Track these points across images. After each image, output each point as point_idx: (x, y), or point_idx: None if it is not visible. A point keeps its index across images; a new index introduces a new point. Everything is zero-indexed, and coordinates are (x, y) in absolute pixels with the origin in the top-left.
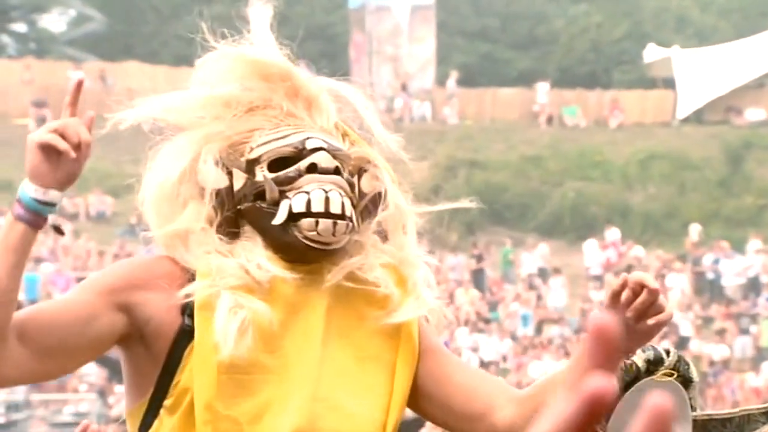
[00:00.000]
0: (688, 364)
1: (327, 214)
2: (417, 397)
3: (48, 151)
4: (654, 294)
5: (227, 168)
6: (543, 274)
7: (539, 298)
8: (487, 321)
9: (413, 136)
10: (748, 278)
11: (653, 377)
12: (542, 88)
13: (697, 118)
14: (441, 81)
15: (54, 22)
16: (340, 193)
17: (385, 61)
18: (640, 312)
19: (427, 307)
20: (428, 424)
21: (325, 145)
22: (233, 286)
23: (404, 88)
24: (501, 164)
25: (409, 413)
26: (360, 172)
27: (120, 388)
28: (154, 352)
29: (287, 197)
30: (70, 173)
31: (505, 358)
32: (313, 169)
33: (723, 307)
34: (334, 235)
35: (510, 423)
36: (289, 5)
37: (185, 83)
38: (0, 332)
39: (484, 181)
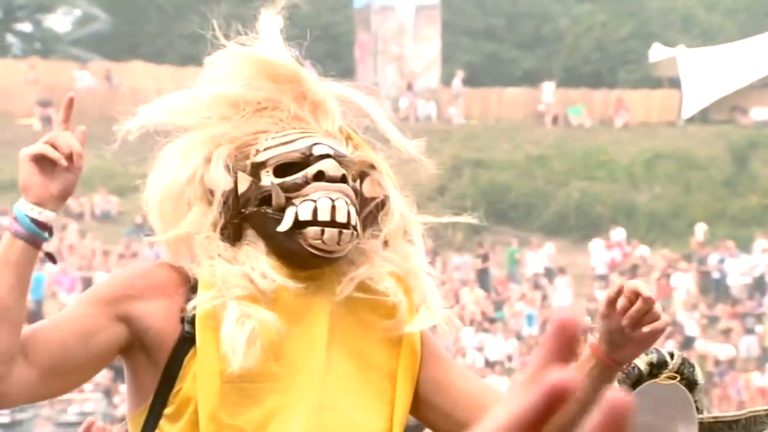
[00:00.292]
0: (693, 367)
1: (333, 223)
2: (419, 405)
3: (40, 162)
4: (648, 302)
5: (233, 171)
6: (549, 273)
7: (544, 297)
8: (492, 321)
9: (418, 136)
10: (754, 278)
11: (656, 380)
12: (548, 87)
13: (703, 117)
14: (446, 81)
15: (59, 21)
16: (346, 202)
17: (390, 61)
18: (634, 320)
19: (440, 317)
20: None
21: (332, 152)
22: (239, 296)
23: (410, 87)
24: (506, 164)
25: (411, 420)
26: (362, 176)
27: (125, 388)
28: (155, 361)
29: (293, 204)
30: (64, 187)
31: (510, 358)
32: (320, 176)
33: (728, 307)
34: (339, 243)
35: None
36: (294, 5)
37: (191, 83)
38: (8, 352)
39: (489, 181)
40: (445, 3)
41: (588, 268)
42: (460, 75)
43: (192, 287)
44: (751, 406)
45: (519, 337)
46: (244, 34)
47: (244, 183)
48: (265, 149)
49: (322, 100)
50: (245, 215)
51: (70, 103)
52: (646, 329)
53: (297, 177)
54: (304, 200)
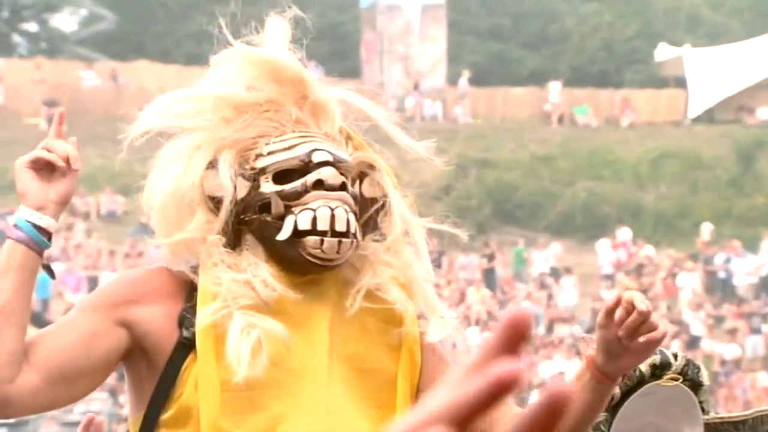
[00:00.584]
0: (698, 368)
1: (332, 233)
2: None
3: (37, 168)
4: (644, 314)
5: (234, 176)
6: (555, 273)
7: (550, 297)
8: (498, 320)
9: (424, 136)
10: (760, 277)
11: (658, 382)
12: (554, 87)
13: (709, 117)
14: (452, 80)
15: (65, 21)
16: (346, 210)
17: (396, 61)
18: (631, 330)
19: (452, 326)
20: None
21: (331, 158)
22: (245, 306)
23: (416, 87)
24: (512, 163)
25: None
26: (362, 176)
27: (127, 394)
28: (154, 365)
29: (292, 213)
30: (62, 192)
31: None
32: (319, 185)
33: (734, 307)
34: (338, 252)
35: None
36: (300, 4)
37: (197, 83)
38: (14, 354)
39: (495, 181)
40: (451, 2)
41: (594, 267)
42: (466, 75)
43: (190, 292)
44: (757, 405)
45: None
46: (250, 34)
47: (243, 189)
48: (264, 155)
49: (324, 102)
50: (244, 221)
51: (61, 119)
52: (642, 339)
53: (296, 185)
54: (303, 209)
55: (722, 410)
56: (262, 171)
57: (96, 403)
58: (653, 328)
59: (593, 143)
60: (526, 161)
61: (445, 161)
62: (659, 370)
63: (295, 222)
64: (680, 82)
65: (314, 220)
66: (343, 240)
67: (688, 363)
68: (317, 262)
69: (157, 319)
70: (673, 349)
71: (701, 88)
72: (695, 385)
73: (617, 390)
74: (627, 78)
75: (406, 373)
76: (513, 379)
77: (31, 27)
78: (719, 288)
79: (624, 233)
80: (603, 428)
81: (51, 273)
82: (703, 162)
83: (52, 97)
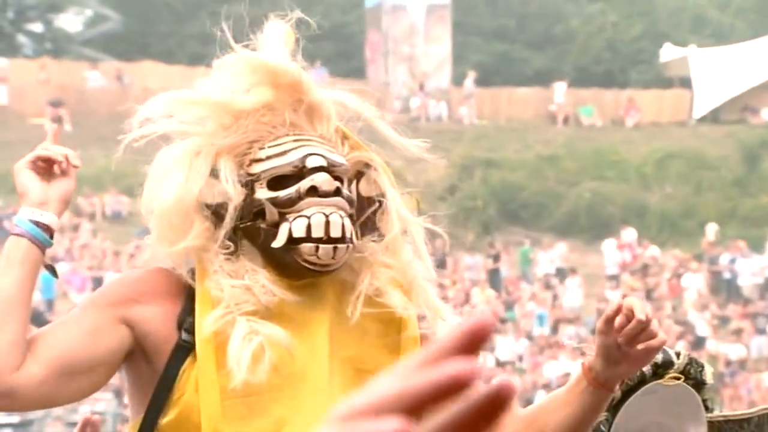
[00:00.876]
0: (701, 366)
1: (327, 239)
2: None
3: (37, 167)
4: (643, 322)
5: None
6: (560, 273)
7: (555, 297)
8: (503, 321)
9: (429, 136)
10: (765, 278)
11: (660, 381)
12: (560, 88)
13: (714, 117)
14: (457, 81)
15: (70, 22)
16: (341, 215)
17: (401, 61)
18: (630, 337)
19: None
20: None
21: (325, 163)
22: (248, 312)
23: (422, 87)
24: (517, 164)
25: None
26: (359, 175)
27: (127, 398)
28: (154, 367)
29: (287, 220)
30: (62, 191)
31: (521, 358)
32: (313, 191)
33: (739, 307)
34: (334, 258)
35: None
36: (305, 5)
37: (199, 84)
38: (17, 345)
39: (500, 181)
40: (456, 3)
41: (599, 268)
42: (471, 75)
43: (188, 294)
44: (763, 405)
45: (530, 337)
46: (255, 35)
47: (239, 195)
48: (258, 160)
49: (319, 103)
50: (240, 227)
51: (56, 134)
52: (641, 347)
53: (290, 192)
54: (297, 216)
55: (727, 410)
56: (257, 177)
57: (101, 404)
58: (652, 336)
59: (598, 143)
60: (531, 161)
61: (450, 162)
62: (661, 369)
63: (290, 229)
64: (685, 83)
65: (309, 227)
66: (339, 246)
67: (691, 362)
68: (313, 268)
69: (157, 320)
70: (678, 349)
71: (706, 88)
72: (698, 384)
73: (618, 389)
74: (632, 78)
75: None
76: (468, 378)
77: (36, 27)
78: (724, 288)
79: (629, 234)
80: (603, 428)
81: (53, 272)
82: (708, 162)
83: (57, 98)
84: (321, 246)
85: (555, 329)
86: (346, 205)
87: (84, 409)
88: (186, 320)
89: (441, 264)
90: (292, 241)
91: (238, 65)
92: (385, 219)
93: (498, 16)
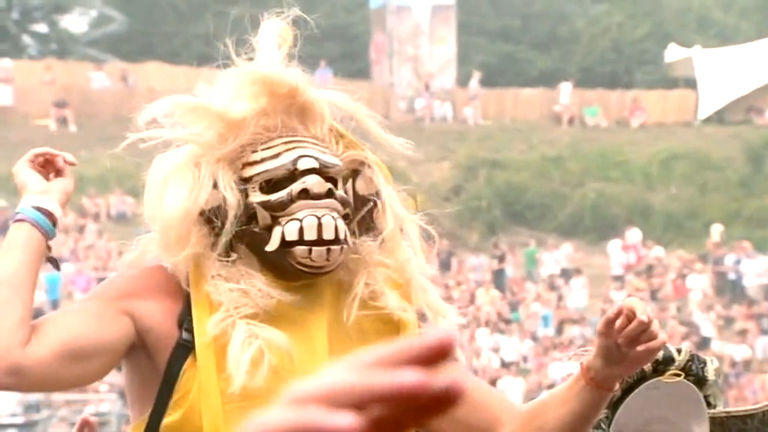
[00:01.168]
0: (704, 363)
1: (320, 242)
2: None
3: (36, 165)
4: (644, 323)
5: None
6: (564, 274)
7: (560, 298)
8: (507, 321)
9: (434, 137)
10: None
11: (660, 378)
12: (565, 88)
13: (719, 118)
14: (462, 81)
15: (75, 22)
16: (333, 217)
17: (406, 62)
18: (630, 339)
19: (460, 321)
20: None
21: (317, 165)
22: (247, 315)
23: (427, 88)
24: (522, 164)
25: None
26: (354, 174)
27: (127, 398)
28: (155, 363)
29: (279, 223)
30: (62, 186)
31: (525, 359)
32: (305, 194)
33: (744, 308)
34: (327, 260)
35: None
36: (310, 5)
37: (206, 84)
38: (23, 322)
39: (504, 182)
40: (461, 3)
41: (604, 268)
42: (477, 76)
43: (188, 295)
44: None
45: (534, 338)
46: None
47: (238, 203)
48: (251, 164)
49: (312, 104)
50: (235, 231)
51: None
52: (641, 348)
53: (282, 195)
54: (289, 220)
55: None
56: (249, 180)
57: (105, 404)
58: (653, 337)
59: (603, 144)
60: (535, 162)
61: (455, 162)
62: (662, 365)
63: (282, 233)
64: (690, 83)
65: (301, 230)
66: (332, 247)
67: (693, 358)
68: (308, 270)
69: (158, 315)
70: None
71: (711, 89)
72: (700, 380)
73: (617, 386)
74: (637, 79)
75: None
76: (419, 391)
77: (41, 28)
78: (729, 289)
79: (634, 234)
80: (603, 426)
81: (56, 265)
82: (713, 163)
83: (62, 99)
84: (314, 248)
85: (560, 330)
86: (339, 206)
87: (89, 410)
88: (186, 319)
89: (445, 264)
90: (285, 245)
91: (239, 78)
92: (382, 217)
93: (503, 17)
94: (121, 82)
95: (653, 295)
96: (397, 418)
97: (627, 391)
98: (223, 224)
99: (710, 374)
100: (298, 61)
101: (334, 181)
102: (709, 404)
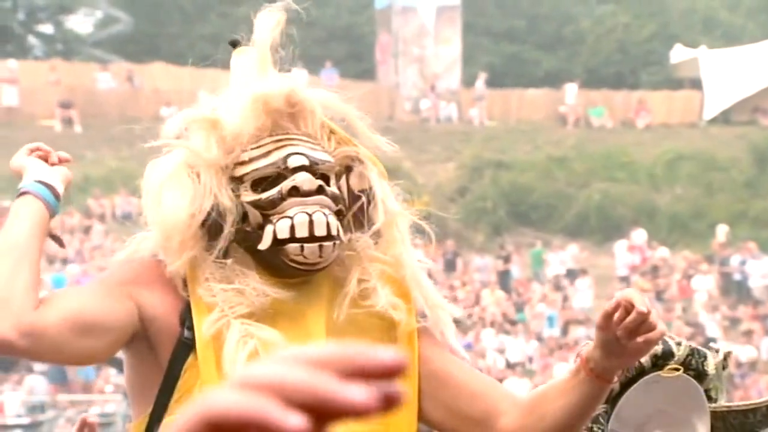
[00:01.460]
0: (704, 356)
1: (312, 238)
2: (421, 401)
3: (35, 152)
4: (643, 314)
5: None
6: (570, 275)
7: (565, 299)
8: (513, 322)
9: (439, 137)
10: None
11: (659, 372)
12: (571, 89)
13: (725, 118)
14: (467, 82)
15: (80, 23)
16: (325, 213)
17: (411, 62)
18: (629, 330)
19: (457, 313)
20: None
21: (307, 162)
22: (242, 314)
23: (433, 89)
24: (527, 165)
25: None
26: (347, 170)
27: (128, 396)
28: (157, 357)
29: (271, 222)
30: (62, 172)
31: (531, 360)
32: (295, 191)
33: (750, 309)
34: (320, 256)
35: (513, 430)
36: (315, 6)
37: (211, 84)
38: (33, 285)
39: (510, 182)
40: (466, 4)
41: (610, 269)
42: (483, 77)
43: (184, 287)
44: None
45: (540, 338)
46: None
47: (234, 206)
48: (242, 163)
49: (302, 102)
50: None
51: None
52: (640, 339)
53: (272, 193)
54: (281, 218)
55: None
56: (240, 180)
57: (111, 405)
58: (652, 328)
59: (608, 145)
60: (541, 163)
61: (460, 163)
62: (661, 360)
63: (274, 231)
64: (696, 84)
65: (292, 227)
66: (324, 244)
67: (693, 352)
68: (301, 267)
69: (162, 308)
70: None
71: (717, 89)
72: (700, 375)
73: (616, 381)
74: (642, 79)
75: None
76: (363, 410)
77: (47, 29)
78: (735, 290)
79: (639, 235)
80: (602, 420)
81: (60, 242)
82: (719, 163)
83: (68, 99)
84: (306, 245)
85: (565, 330)
86: (331, 203)
87: (94, 411)
88: (188, 317)
89: (451, 265)
90: (278, 243)
91: (242, 99)
92: (375, 212)
93: (508, 18)
94: (126, 83)
95: (659, 295)
96: (324, 419)
97: (626, 385)
98: (219, 227)
99: (710, 368)
100: (303, 62)
101: (326, 178)
102: (710, 398)
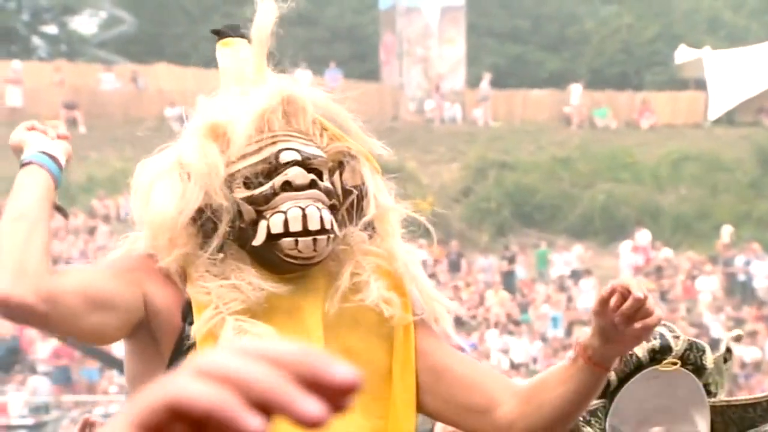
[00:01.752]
0: (702, 350)
1: (306, 232)
2: (419, 394)
3: (34, 128)
4: (640, 300)
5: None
6: (575, 275)
7: (569, 299)
8: (517, 323)
9: (444, 138)
10: None
11: (657, 366)
12: (575, 89)
13: (729, 119)
14: (471, 82)
15: (84, 24)
16: (318, 207)
17: (416, 63)
18: (626, 316)
19: (451, 305)
20: None
21: (299, 157)
22: (236, 311)
23: (437, 89)
24: (531, 166)
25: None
26: (340, 166)
27: (128, 393)
28: (159, 351)
29: (264, 217)
30: (62, 144)
31: (535, 360)
32: (287, 186)
33: (754, 309)
34: (315, 250)
35: (512, 419)
36: (319, 7)
37: (215, 85)
38: (48, 250)
39: (514, 183)
40: (471, 4)
41: (614, 270)
42: (487, 77)
43: (181, 282)
44: None
45: (544, 339)
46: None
47: (229, 203)
48: (233, 161)
49: (294, 99)
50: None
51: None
52: (638, 325)
53: (265, 189)
54: (274, 213)
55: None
56: (233, 177)
57: (115, 405)
58: (649, 314)
59: (613, 145)
60: (545, 163)
61: (465, 163)
62: (659, 354)
63: (268, 226)
64: (700, 84)
65: (286, 222)
66: (318, 237)
67: (691, 346)
68: (296, 262)
69: (166, 301)
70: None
71: (721, 90)
72: (698, 369)
73: (613, 376)
74: (647, 80)
75: (399, 364)
76: (307, 421)
77: (51, 30)
78: (739, 290)
79: (643, 235)
80: (600, 415)
81: (64, 213)
82: (723, 164)
83: (72, 100)
84: (300, 239)
85: (569, 331)
86: (324, 197)
87: (99, 411)
88: (189, 314)
89: (455, 266)
90: (272, 238)
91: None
92: (368, 207)
93: (512, 18)
94: (130, 84)
95: (663, 296)
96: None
97: (624, 380)
98: (213, 225)
99: (709, 362)
100: (308, 63)
101: (318, 173)
102: (709, 393)
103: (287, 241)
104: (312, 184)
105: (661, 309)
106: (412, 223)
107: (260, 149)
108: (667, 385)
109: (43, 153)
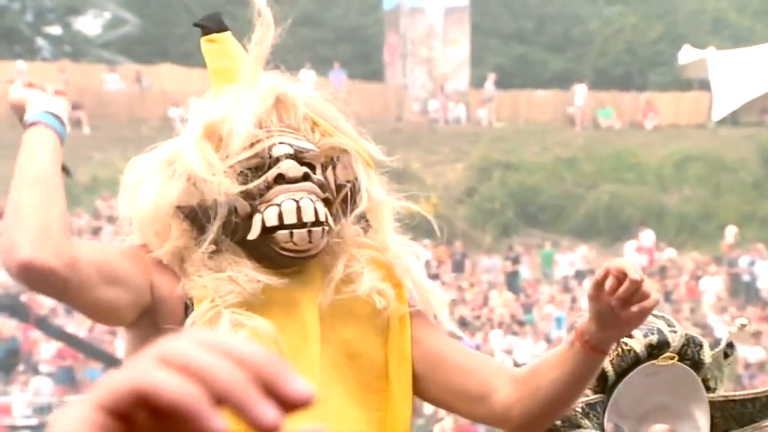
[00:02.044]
0: (700, 345)
1: (300, 224)
2: (416, 381)
3: (32, 85)
4: (636, 282)
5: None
6: (579, 276)
7: (574, 300)
8: (521, 323)
9: (448, 138)
10: None
11: (654, 361)
12: (579, 90)
13: (733, 119)
14: (475, 83)
15: (88, 24)
16: (312, 199)
17: (420, 63)
18: (623, 300)
19: (447, 297)
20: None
21: (291, 151)
22: (233, 304)
23: (442, 90)
24: (535, 166)
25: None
26: (333, 162)
27: None
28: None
29: (259, 211)
30: (62, 101)
31: None
32: (281, 179)
33: (759, 310)
34: (310, 242)
35: (509, 404)
36: (323, 7)
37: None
38: (66, 215)
39: (518, 183)
40: (475, 5)
41: None
42: (491, 78)
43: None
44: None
45: (548, 339)
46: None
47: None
48: (226, 156)
49: (285, 96)
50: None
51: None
52: (635, 308)
53: (258, 183)
54: (268, 206)
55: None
56: (227, 173)
57: None
58: (645, 297)
59: (616, 146)
60: (549, 164)
61: (469, 164)
62: (656, 350)
63: (263, 219)
64: (704, 85)
65: (280, 215)
66: (313, 229)
67: (689, 341)
68: (292, 255)
69: (170, 292)
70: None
71: (725, 90)
72: (696, 364)
73: (611, 371)
74: (651, 80)
75: (395, 356)
76: (261, 427)
77: (55, 30)
78: (743, 291)
79: (647, 236)
80: (599, 409)
81: (68, 172)
82: (727, 165)
83: (76, 101)
84: (295, 232)
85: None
86: (317, 190)
87: None
88: (191, 308)
89: (459, 266)
90: (267, 231)
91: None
92: (359, 199)
93: (516, 19)
94: (134, 84)
95: (667, 296)
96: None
97: (621, 375)
98: (207, 220)
99: (706, 357)
100: (312, 64)
101: (312, 166)
102: (708, 388)
103: (282, 234)
104: (305, 177)
105: (657, 293)
106: (405, 217)
107: (252, 144)
108: (666, 381)
109: (48, 113)
